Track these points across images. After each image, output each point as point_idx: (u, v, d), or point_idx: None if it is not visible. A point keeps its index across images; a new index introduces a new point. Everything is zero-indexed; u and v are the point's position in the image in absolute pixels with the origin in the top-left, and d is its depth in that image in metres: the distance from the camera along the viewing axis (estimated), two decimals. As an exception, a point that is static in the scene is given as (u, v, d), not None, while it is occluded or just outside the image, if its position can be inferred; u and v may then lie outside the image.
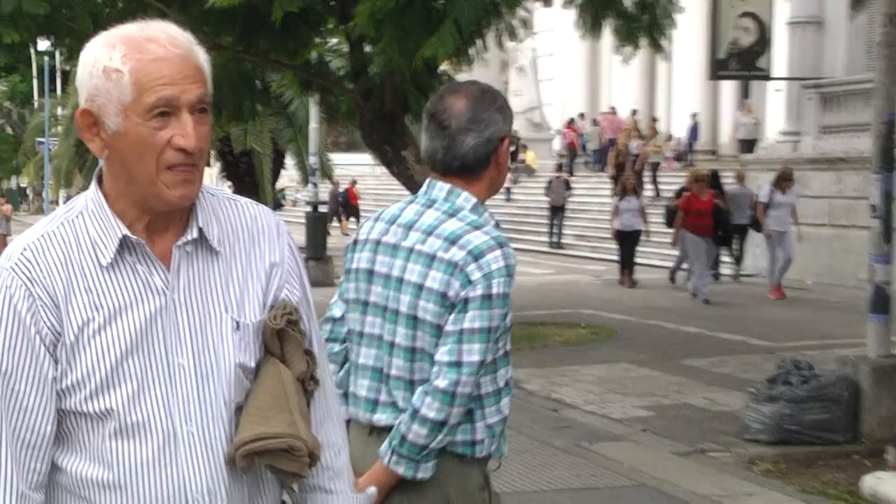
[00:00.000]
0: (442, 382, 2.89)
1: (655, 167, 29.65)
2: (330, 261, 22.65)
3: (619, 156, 29.93)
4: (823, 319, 14.88)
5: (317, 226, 23.61)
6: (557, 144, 39.69)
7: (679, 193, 18.40)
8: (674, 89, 36.44)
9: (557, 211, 27.62)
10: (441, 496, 2.99)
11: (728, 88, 33.91)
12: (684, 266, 18.58)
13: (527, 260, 25.63)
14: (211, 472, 2.09)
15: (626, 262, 19.50)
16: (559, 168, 30.70)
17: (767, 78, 23.73)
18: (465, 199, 3.03)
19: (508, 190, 33.79)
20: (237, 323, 2.13)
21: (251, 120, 16.27)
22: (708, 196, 17.33)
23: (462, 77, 15.14)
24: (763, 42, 21.96)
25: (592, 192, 30.24)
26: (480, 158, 3.04)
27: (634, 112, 33.89)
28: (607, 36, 14.96)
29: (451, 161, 3.04)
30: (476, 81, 3.26)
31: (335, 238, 31.64)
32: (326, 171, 28.10)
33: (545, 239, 27.92)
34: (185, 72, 2.03)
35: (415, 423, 2.90)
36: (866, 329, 8.50)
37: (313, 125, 23.06)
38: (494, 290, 2.90)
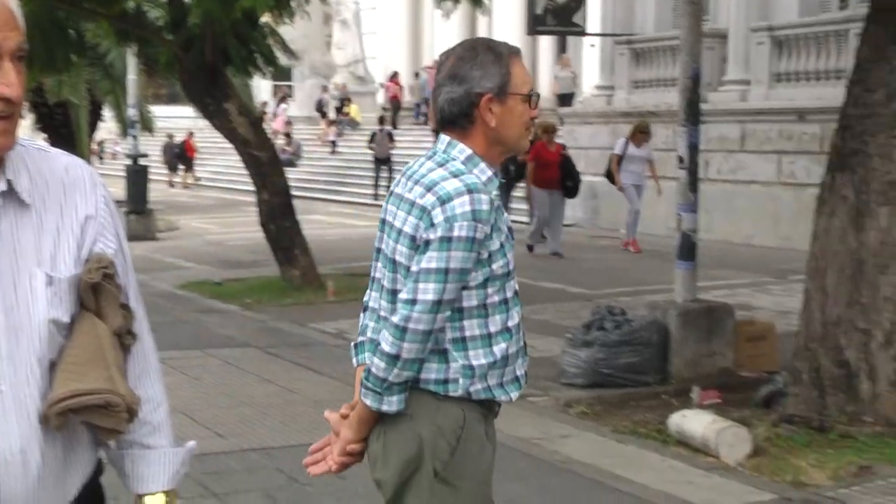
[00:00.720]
0: (395, 318, 2.97)
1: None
2: (151, 214, 22.22)
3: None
4: (637, 267, 15.31)
5: (137, 179, 23.11)
6: (381, 97, 39.66)
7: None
8: (493, 44, 36.76)
9: (382, 163, 27.64)
10: (412, 431, 3.06)
11: (546, 43, 34.43)
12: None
13: (351, 212, 25.71)
14: (23, 430, 2.04)
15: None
16: (381, 121, 30.68)
17: (583, 34, 24.17)
18: (460, 150, 3.07)
19: (333, 143, 33.65)
20: (49, 277, 2.07)
21: (65, 71, 15.71)
22: (556, 147, 16.89)
23: (285, 29, 15.02)
24: (579, -1, 22.40)
25: (416, 144, 30.38)
26: (457, 113, 3.07)
27: (457, 65, 34.03)
28: (429, -10, 14.99)
29: (436, 115, 3.13)
30: (479, 39, 3.29)
31: (162, 192, 31.03)
32: (147, 124, 27.40)
33: (370, 191, 27.93)
34: (1, 17, 1.96)
35: (375, 356, 3.01)
36: (674, 275, 8.81)
37: (132, 77, 22.47)
38: (455, 233, 2.93)
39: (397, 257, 3.05)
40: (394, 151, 28.06)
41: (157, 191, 28.53)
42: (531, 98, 3.12)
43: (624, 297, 11.91)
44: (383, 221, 3.15)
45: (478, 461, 3.15)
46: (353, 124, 35.61)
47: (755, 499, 6.02)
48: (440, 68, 3.13)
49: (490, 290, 3.05)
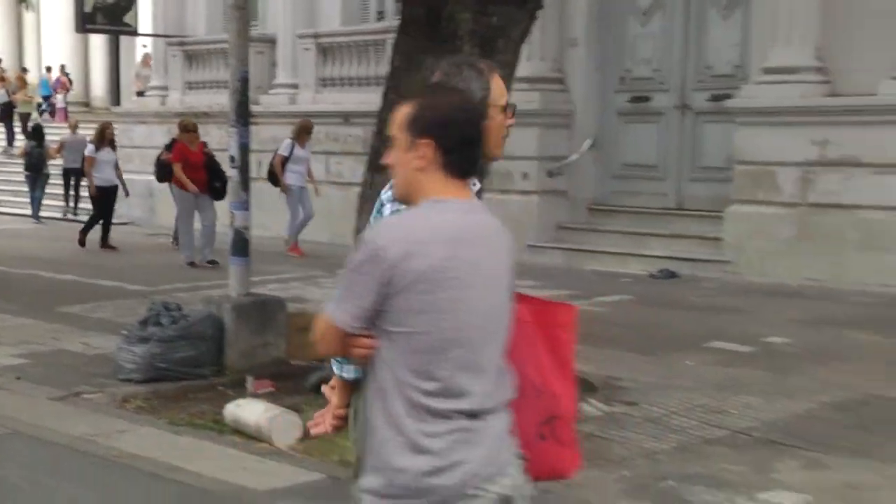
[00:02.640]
0: None
1: (26, 118, 28.62)
2: None
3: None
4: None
5: None
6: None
7: (169, 146, 15.84)
8: (43, 40, 35.26)
9: None
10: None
11: (98, 41, 33.42)
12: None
13: None
14: None
15: (108, 220, 17.35)
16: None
17: (134, 33, 23.79)
18: None
19: None
20: None
21: None
22: (198, 146, 15.32)
23: None
24: (129, -1, 21.96)
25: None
26: None
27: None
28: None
29: None
30: (462, 57, 3.86)
31: None
32: None
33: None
34: None
35: None
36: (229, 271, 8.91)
37: None
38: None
39: None
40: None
41: None
42: (507, 108, 3.37)
43: (181, 292, 11.85)
44: None
45: None
46: None
47: (305, 479, 6.22)
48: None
49: None
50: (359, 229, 7.75)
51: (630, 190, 15.42)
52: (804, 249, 13.11)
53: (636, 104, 15.29)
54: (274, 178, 15.95)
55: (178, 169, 15.14)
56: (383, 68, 17.03)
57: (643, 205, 15.13)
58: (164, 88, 21.76)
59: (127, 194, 17.74)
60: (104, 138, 17.07)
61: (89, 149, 17.27)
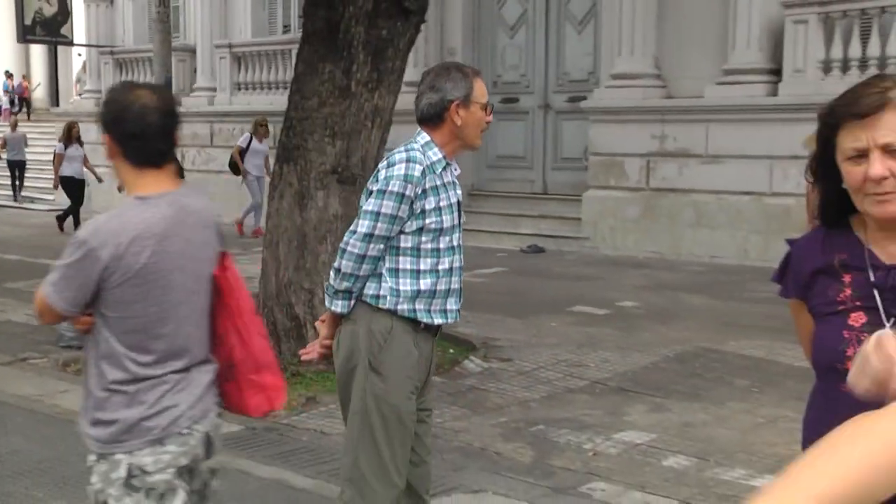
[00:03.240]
0: (341, 242, 3.49)
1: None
2: None
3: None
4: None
5: None
6: None
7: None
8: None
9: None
10: (353, 329, 3.52)
11: (38, 49, 32.33)
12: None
13: None
14: None
15: (77, 208, 16.53)
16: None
17: (71, 44, 23.15)
18: (422, 136, 3.56)
19: None
20: None
21: None
22: None
23: None
24: (65, 13, 21.23)
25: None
26: (432, 113, 3.55)
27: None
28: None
29: (417, 113, 3.58)
30: (451, 62, 3.92)
31: None
32: None
33: None
34: None
35: (331, 269, 3.54)
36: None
37: None
38: (388, 188, 3.40)
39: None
40: None
41: None
42: (486, 106, 3.59)
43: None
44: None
45: (402, 360, 3.52)
46: None
47: (227, 430, 6.05)
48: (422, 81, 3.60)
49: (423, 238, 3.46)
50: (270, 214, 7.60)
51: (503, 178, 15.44)
52: (648, 227, 13.28)
53: (507, 104, 15.28)
54: (235, 167, 15.55)
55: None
56: (289, 74, 16.87)
57: (514, 190, 15.17)
58: (98, 91, 21.11)
59: (100, 181, 16.90)
60: (71, 136, 16.32)
61: (59, 147, 16.50)
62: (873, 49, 11.62)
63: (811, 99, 10.67)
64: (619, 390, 6.80)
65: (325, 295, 3.58)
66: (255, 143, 15.46)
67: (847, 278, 2.05)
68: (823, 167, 2.06)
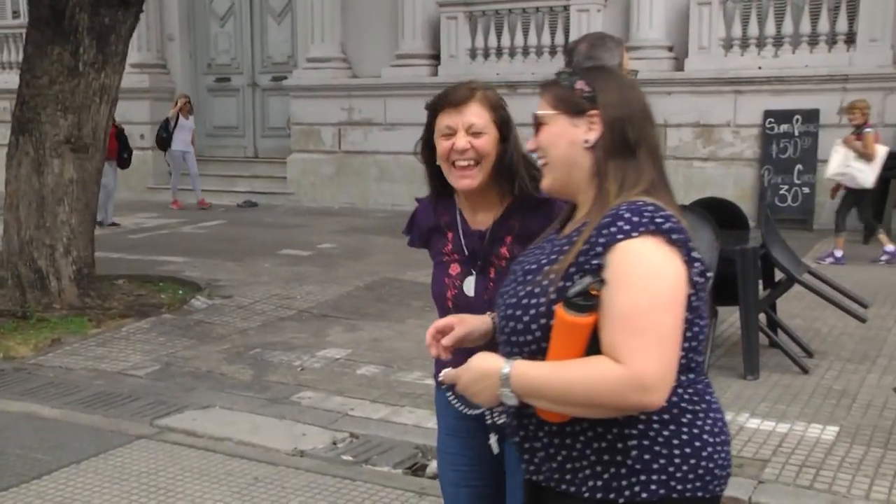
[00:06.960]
0: None
1: None
2: None
3: None
4: None
5: None
6: None
7: None
8: None
9: None
10: None
11: None
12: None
13: None
14: None
15: None
16: None
17: None
18: None
19: None
20: None
21: None
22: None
23: None
24: None
25: None
26: None
27: None
28: None
29: None
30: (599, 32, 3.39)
31: None
32: None
33: None
34: None
35: None
36: None
37: None
38: None
39: None
40: None
41: None
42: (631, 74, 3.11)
43: None
44: None
45: None
46: None
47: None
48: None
49: None
50: (9, 180, 6.95)
51: (220, 144, 14.97)
52: (341, 183, 13.40)
53: (220, 83, 14.81)
54: (161, 142, 13.16)
55: None
56: (17, 56, 15.36)
57: (230, 155, 14.75)
58: None
59: None
60: None
61: None
62: (505, 40, 12.31)
63: (463, 77, 10.84)
64: (321, 316, 6.87)
65: None
66: (181, 119, 13.15)
67: (450, 235, 2.23)
68: (428, 147, 2.18)
